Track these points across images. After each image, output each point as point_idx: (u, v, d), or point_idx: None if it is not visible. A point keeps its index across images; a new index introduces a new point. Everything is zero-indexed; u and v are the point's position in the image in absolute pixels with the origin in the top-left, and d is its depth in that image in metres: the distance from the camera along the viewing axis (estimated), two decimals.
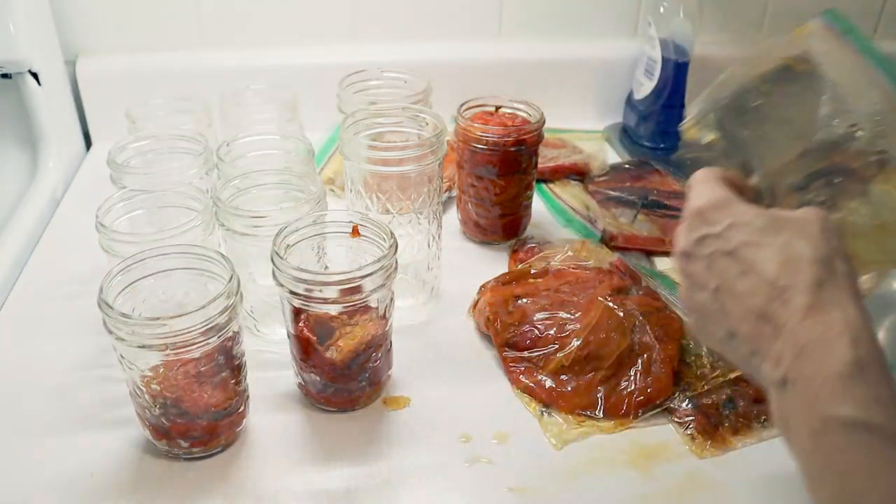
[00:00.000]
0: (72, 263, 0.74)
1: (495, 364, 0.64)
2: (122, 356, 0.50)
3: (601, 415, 0.59)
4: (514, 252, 0.78)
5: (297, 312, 0.55)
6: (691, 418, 0.58)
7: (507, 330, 0.64)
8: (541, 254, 0.75)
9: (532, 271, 0.70)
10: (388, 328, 0.58)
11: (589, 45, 1.05)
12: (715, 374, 0.61)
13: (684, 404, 0.59)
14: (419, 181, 0.65)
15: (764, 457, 0.56)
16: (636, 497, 0.53)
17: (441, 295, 0.72)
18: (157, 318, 0.47)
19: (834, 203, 0.48)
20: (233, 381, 0.54)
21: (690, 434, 0.57)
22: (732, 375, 0.61)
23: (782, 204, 0.49)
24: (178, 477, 0.53)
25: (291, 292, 0.53)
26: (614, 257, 0.74)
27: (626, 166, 0.94)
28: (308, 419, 0.59)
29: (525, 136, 0.73)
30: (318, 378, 0.57)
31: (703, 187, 0.46)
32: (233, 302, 0.50)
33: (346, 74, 0.80)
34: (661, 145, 1.01)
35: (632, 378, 0.60)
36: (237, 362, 0.54)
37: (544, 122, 0.75)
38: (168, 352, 0.49)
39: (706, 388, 0.60)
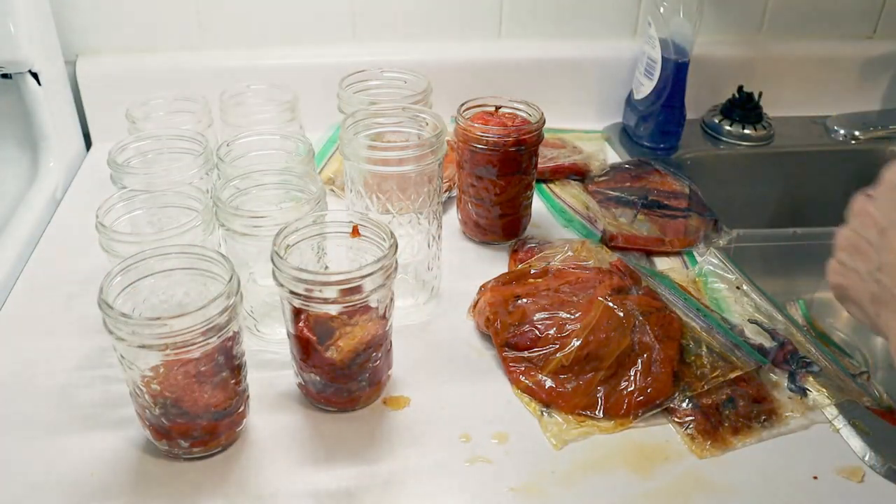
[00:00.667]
0: (72, 263, 0.74)
1: (495, 364, 0.64)
2: (122, 356, 0.50)
3: (601, 415, 0.59)
4: (514, 252, 0.78)
5: (297, 312, 0.55)
6: (691, 418, 0.58)
7: (506, 330, 0.64)
8: (541, 254, 0.75)
9: (532, 271, 0.70)
10: (388, 328, 0.58)
11: (589, 45, 1.05)
12: (715, 374, 0.61)
13: (684, 404, 0.59)
14: (419, 181, 0.65)
15: (764, 457, 0.56)
16: (636, 497, 0.53)
17: (441, 295, 0.72)
18: (157, 318, 0.47)
19: None
20: (233, 381, 0.54)
21: (690, 434, 0.57)
22: (732, 375, 0.61)
23: None
24: (178, 477, 0.53)
25: (291, 292, 0.53)
26: (614, 257, 0.74)
27: (626, 166, 0.94)
28: (308, 419, 0.59)
29: (525, 136, 0.73)
30: (318, 378, 0.57)
31: None
32: (233, 302, 0.50)
33: (346, 74, 0.80)
34: (661, 145, 1.01)
35: (632, 378, 0.60)
36: (237, 362, 0.54)
37: (544, 122, 0.75)
38: (168, 352, 0.49)
39: (706, 388, 0.60)
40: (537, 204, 0.86)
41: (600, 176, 0.92)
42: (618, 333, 0.61)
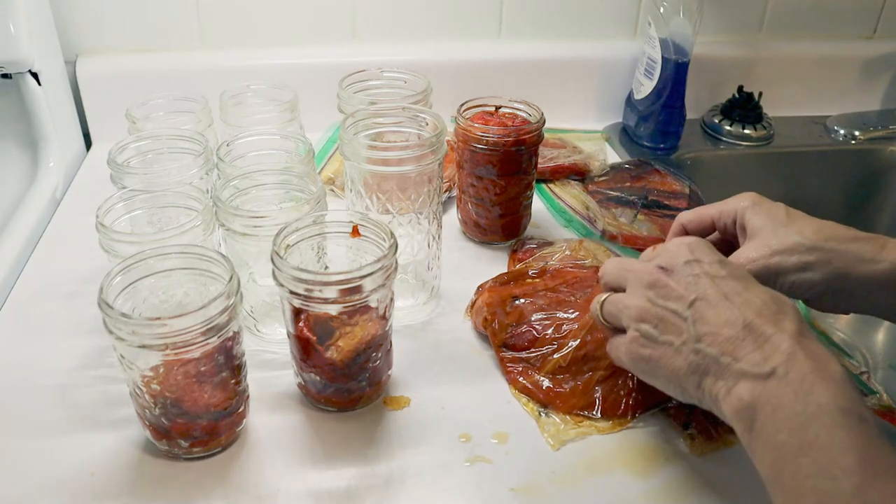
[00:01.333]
0: (72, 263, 0.74)
1: (495, 364, 0.64)
2: (122, 356, 0.50)
3: (599, 415, 0.59)
4: (513, 252, 0.78)
5: (297, 312, 0.55)
6: (690, 418, 0.58)
7: (504, 330, 0.64)
8: (539, 254, 0.75)
9: (530, 272, 0.70)
10: (388, 328, 0.58)
11: (589, 46, 1.05)
12: None
13: (683, 404, 0.59)
14: (419, 181, 0.65)
15: None
16: (635, 497, 0.53)
17: (441, 295, 0.72)
18: (157, 318, 0.47)
19: None
20: (233, 381, 0.54)
21: (689, 434, 0.57)
22: None
23: None
24: (178, 477, 0.54)
25: (291, 292, 0.53)
26: (612, 255, 0.74)
27: (626, 166, 0.94)
28: (308, 419, 0.59)
29: (525, 136, 0.73)
30: (318, 378, 0.57)
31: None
32: (233, 302, 0.50)
33: (346, 74, 0.80)
34: (661, 145, 1.01)
35: (629, 378, 0.60)
36: (237, 362, 0.54)
37: (544, 122, 0.75)
38: (168, 352, 0.49)
39: None
40: (537, 204, 0.86)
41: (600, 176, 0.92)
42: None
